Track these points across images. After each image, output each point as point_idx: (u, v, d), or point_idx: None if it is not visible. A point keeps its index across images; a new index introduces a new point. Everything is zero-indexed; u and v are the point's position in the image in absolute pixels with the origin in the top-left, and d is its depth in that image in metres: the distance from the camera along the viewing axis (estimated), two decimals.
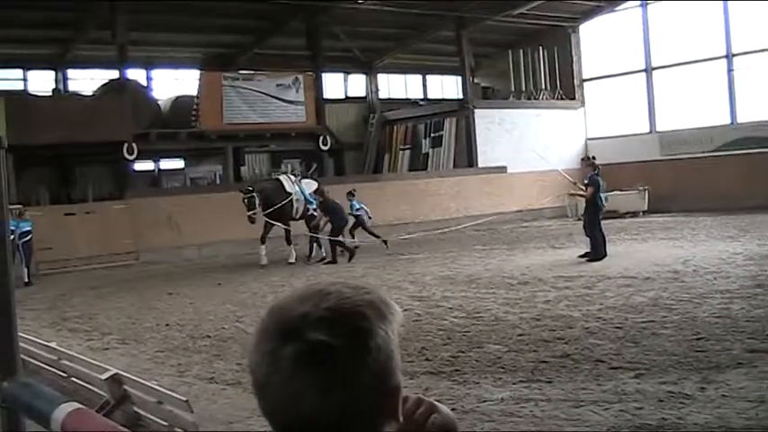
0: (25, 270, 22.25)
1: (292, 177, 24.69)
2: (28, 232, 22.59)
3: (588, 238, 18.96)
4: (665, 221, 29.03)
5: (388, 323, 1.38)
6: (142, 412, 6.71)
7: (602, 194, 19.28)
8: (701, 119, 35.10)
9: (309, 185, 24.37)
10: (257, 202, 22.79)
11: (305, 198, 23.72)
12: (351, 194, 24.56)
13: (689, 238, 22.54)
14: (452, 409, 7.09)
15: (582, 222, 19.64)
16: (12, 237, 21.99)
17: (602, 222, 19.26)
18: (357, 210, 24.34)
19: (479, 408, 7.39)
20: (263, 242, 23.08)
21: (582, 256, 18.82)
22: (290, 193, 23.53)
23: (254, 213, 22.71)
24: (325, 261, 22.81)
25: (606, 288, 14.10)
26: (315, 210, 23.48)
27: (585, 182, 19.36)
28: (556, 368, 8.56)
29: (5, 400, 3.06)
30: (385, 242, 24.68)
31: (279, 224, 23.19)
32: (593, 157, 21.54)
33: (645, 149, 36.57)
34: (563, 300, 13.16)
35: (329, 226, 23.05)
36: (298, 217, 23.77)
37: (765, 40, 33.17)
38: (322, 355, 1.34)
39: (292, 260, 22.89)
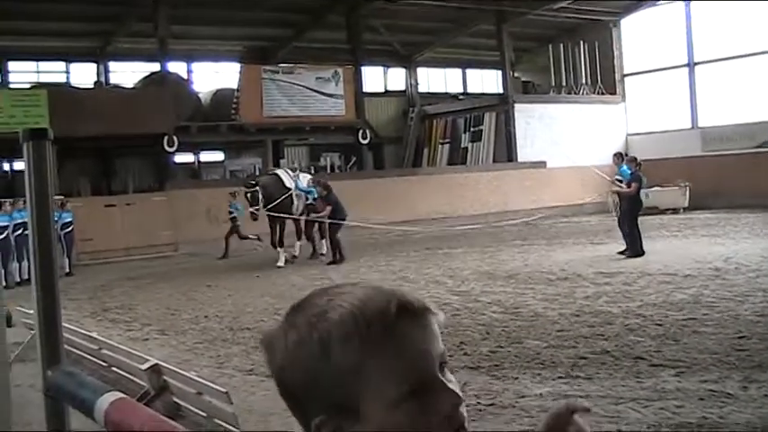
0: (66, 260, 22.52)
1: (290, 172, 23.58)
2: (69, 223, 22.86)
3: (624, 234, 18.81)
4: (707, 218, 28.74)
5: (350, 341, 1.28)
6: (182, 403, 6.76)
7: (642, 190, 19.13)
8: (743, 114, 34.66)
9: (307, 179, 23.69)
10: (260, 197, 21.63)
11: (304, 192, 22.66)
12: (233, 195, 24.16)
13: (731, 235, 22.30)
14: (491, 405, 7.08)
15: (617, 218, 19.37)
16: (71, 228, 22.50)
17: (641, 219, 19.09)
18: (231, 213, 24.20)
19: (518, 403, 7.36)
20: (280, 245, 21.83)
21: (620, 253, 18.69)
22: (290, 188, 22.33)
23: (257, 209, 21.57)
24: (328, 261, 21.44)
25: (646, 285, 13.98)
26: (314, 199, 22.32)
27: (617, 177, 19.17)
28: (595, 365, 8.50)
29: (50, 389, 3.08)
30: (259, 239, 24.30)
31: (283, 216, 21.99)
32: (625, 154, 21.29)
33: (686, 145, 36.19)
34: (602, 296, 13.07)
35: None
36: (298, 213, 22.62)
37: None
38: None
39: (281, 263, 21.25)
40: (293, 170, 24.26)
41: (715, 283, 13.56)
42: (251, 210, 21.54)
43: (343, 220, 21.66)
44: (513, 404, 7.34)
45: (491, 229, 29.51)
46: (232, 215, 24.34)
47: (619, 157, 19.88)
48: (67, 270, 22.30)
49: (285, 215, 22.04)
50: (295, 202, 22.34)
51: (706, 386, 7.41)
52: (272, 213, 21.72)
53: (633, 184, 18.58)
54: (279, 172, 23.44)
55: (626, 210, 18.65)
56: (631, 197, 18.63)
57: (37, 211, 3.09)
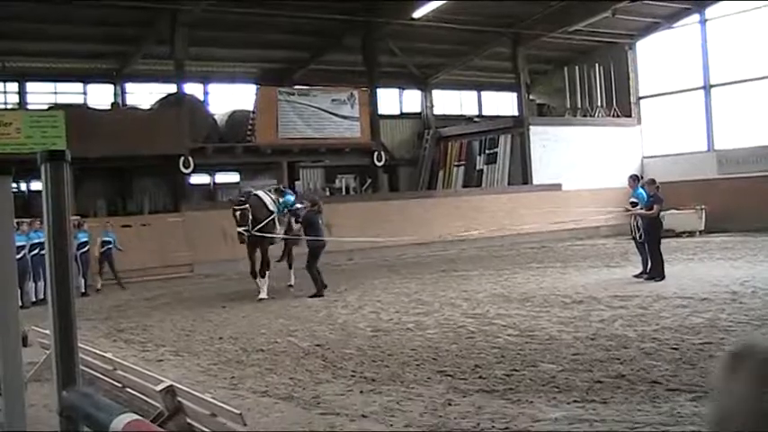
0: (82, 281, 22.61)
1: (272, 196, 21.19)
2: (85, 243, 22.95)
3: (642, 257, 18.72)
4: (723, 241, 28.62)
5: None
6: (195, 424, 6.75)
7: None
8: (760, 137, 34.58)
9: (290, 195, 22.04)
10: (249, 216, 19.51)
11: (289, 209, 20.79)
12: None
13: (747, 258, 22.20)
14: (505, 429, 7.04)
15: (635, 241, 19.20)
16: (86, 248, 22.64)
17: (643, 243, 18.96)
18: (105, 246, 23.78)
19: (533, 428, 7.32)
20: (262, 274, 19.60)
21: (637, 276, 18.61)
22: (273, 212, 20.26)
23: (246, 230, 19.26)
24: (310, 294, 19.04)
25: (662, 308, 13.91)
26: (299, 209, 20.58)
27: (632, 200, 19.06)
28: (611, 389, 8.45)
29: (65, 409, 3.08)
30: (121, 285, 23.89)
31: (270, 236, 20.07)
32: (641, 177, 21.14)
33: (702, 168, 36.12)
34: (618, 319, 13.01)
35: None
36: (280, 239, 20.97)
37: None
38: None
39: (263, 295, 19.11)
40: (277, 190, 22.29)
41: (732, 307, 13.48)
42: (240, 230, 19.32)
43: (319, 244, 19.43)
44: (528, 429, 7.30)
45: (506, 252, 29.47)
46: (105, 247, 24.01)
47: (634, 179, 19.75)
48: (83, 290, 22.44)
49: (268, 238, 19.98)
50: (278, 226, 20.51)
51: None
52: (258, 234, 19.52)
53: (655, 206, 18.48)
54: (260, 193, 21.00)
55: (650, 232, 18.49)
56: (654, 219, 18.52)
57: (54, 231, 3.11)
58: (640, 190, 19.12)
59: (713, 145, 36.94)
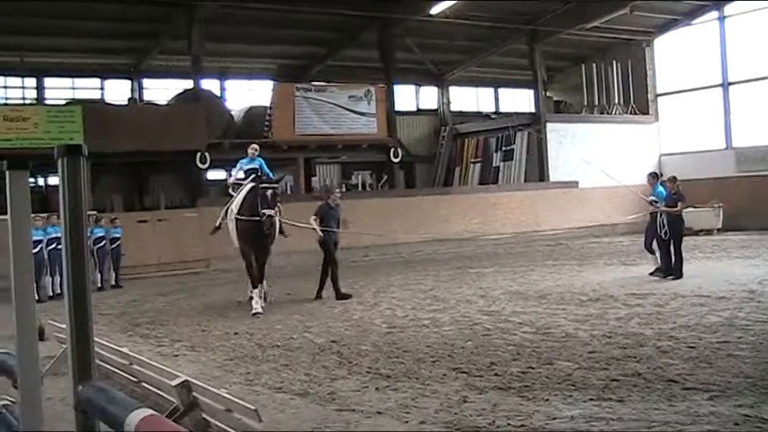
0: (98, 275, 22.79)
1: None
2: (102, 238, 23.07)
3: (662, 254, 18.59)
4: (741, 239, 28.49)
5: None
6: (211, 419, 6.75)
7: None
8: None
9: None
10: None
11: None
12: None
13: (765, 256, 22.09)
14: (521, 426, 7.02)
15: (659, 239, 18.93)
16: (102, 243, 22.87)
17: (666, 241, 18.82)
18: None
19: (549, 425, 7.29)
20: (260, 281, 16.88)
21: (652, 273, 18.53)
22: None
23: (274, 215, 15.95)
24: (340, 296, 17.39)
25: (679, 306, 13.84)
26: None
27: (652, 198, 18.92)
28: (627, 387, 8.40)
29: (80, 403, 3.09)
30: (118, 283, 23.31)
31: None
32: (661, 174, 20.94)
33: (720, 166, 35.96)
34: (634, 317, 12.95)
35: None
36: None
37: None
38: None
39: (259, 308, 15.99)
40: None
41: (749, 306, 13.40)
42: (268, 213, 15.77)
43: (322, 239, 17.89)
44: (544, 426, 7.27)
45: (522, 249, 29.41)
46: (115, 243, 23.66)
47: (654, 176, 19.61)
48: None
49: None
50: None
51: (741, 411, 7.30)
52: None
53: (680, 204, 18.37)
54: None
55: (674, 230, 18.34)
56: (677, 217, 18.38)
57: (71, 226, 3.11)
58: (660, 188, 19.02)
59: (731, 142, 36.77)
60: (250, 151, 18.35)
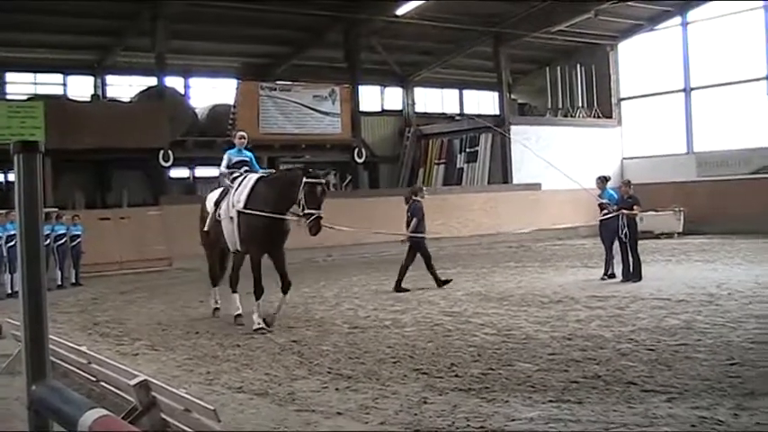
0: (59, 273, 22.57)
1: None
2: (63, 235, 22.80)
3: (619, 257, 18.72)
4: (701, 243, 28.79)
5: None
6: (169, 419, 6.70)
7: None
8: (739, 140, 34.82)
9: None
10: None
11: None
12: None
13: (724, 260, 22.34)
14: (480, 428, 7.03)
15: (620, 241, 19.02)
16: (63, 240, 22.59)
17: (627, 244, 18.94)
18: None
19: (508, 427, 7.31)
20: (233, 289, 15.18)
21: (608, 276, 18.73)
22: None
23: (317, 211, 13.48)
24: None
25: (639, 309, 13.96)
26: None
27: (604, 201, 19.03)
28: (586, 389, 8.46)
29: (33, 403, 3.05)
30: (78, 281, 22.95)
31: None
32: (606, 177, 20.91)
33: (681, 170, 36.35)
34: (595, 320, 13.04)
35: None
36: None
37: None
38: None
39: (259, 322, 13.51)
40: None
41: (708, 309, 13.54)
42: (317, 213, 13.35)
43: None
44: (504, 428, 7.29)
45: (485, 251, 29.52)
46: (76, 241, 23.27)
47: (603, 180, 19.71)
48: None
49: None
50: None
51: (697, 413, 7.37)
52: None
53: (636, 207, 18.53)
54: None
55: (631, 233, 18.47)
56: (632, 220, 18.51)
57: (26, 223, 3.07)
58: (610, 191, 19.21)
59: (693, 147, 37.15)
60: (238, 141, 15.76)
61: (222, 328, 13.96)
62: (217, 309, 15.68)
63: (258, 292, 13.84)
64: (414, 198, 19.22)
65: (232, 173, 15.04)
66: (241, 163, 15.36)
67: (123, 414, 6.36)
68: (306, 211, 13.33)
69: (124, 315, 16.48)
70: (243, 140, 15.74)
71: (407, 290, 18.29)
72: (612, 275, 18.78)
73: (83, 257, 23.64)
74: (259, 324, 13.39)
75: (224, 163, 15.43)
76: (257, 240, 13.95)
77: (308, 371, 10.09)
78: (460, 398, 8.35)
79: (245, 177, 14.64)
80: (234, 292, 15.04)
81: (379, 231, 20.22)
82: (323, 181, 13.79)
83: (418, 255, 18.92)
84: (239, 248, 14.37)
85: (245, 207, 13.96)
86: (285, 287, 14.14)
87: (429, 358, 10.44)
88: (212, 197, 15.40)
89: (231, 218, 14.19)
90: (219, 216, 14.57)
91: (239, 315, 14.53)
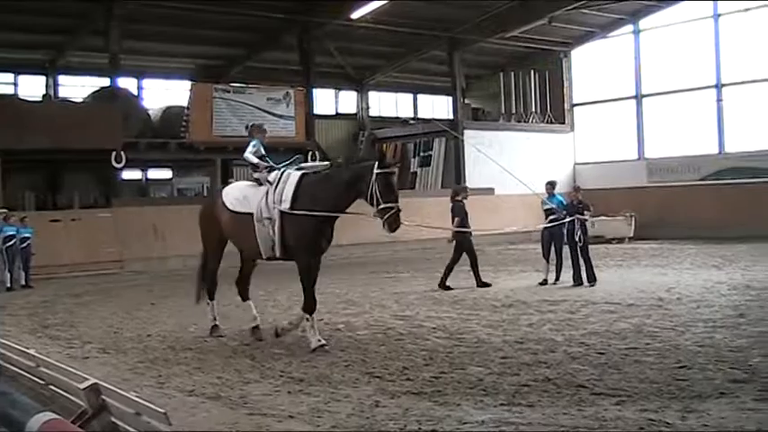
0: (8, 275, 22.28)
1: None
2: (12, 236, 22.47)
3: (569, 263, 18.88)
4: (651, 248, 29.11)
5: None
6: (120, 423, 6.66)
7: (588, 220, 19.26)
8: (689, 147, 35.31)
9: None
10: None
11: None
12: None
13: (674, 265, 22.63)
14: (432, 431, 7.06)
15: (573, 245, 19.14)
16: (12, 242, 22.22)
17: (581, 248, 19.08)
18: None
19: (459, 430, 7.34)
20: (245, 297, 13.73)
21: (550, 282, 18.94)
22: None
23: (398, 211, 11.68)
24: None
25: (590, 313, 14.08)
26: None
27: (552, 206, 19.17)
28: (537, 392, 8.52)
29: None
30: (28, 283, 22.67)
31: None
32: (555, 183, 21.03)
33: (632, 176, 36.76)
34: (546, 323, 13.13)
35: None
36: None
37: (754, 72, 33.42)
38: None
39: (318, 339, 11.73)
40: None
41: (657, 313, 13.70)
42: (397, 207, 11.49)
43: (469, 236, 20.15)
44: (455, 431, 7.33)
45: (438, 254, 29.56)
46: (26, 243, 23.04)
47: (551, 185, 19.87)
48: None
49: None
50: None
51: (646, 415, 7.45)
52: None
53: (587, 212, 18.71)
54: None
55: (584, 238, 18.62)
56: (582, 225, 18.65)
57: None
58: (558, 197, 19.39)
59: (644, 153, 37.59)
60: (263, 135, 13.75)
61: (174, 332, 13.87)
62: (215, 326, 13.38)
63: (311, 305, 11.99)
64: (456, 199, 20.38)
65: (269, 167, 12.83)
66: (265, 158, 13.16)
67: (73, 418, 6.30)
68: (382, 206, 11.38)
69: (75, 318, 16.30)
70: (266, 134, 13.98)
71: (451, 288, 18.76)
72: (550, 282, 18.95)
73: (33, 259, 23.30)
74: (319, 341, 11.54)
75: (252, 150, 13.07)
76: (308, 245, 12.06)
77: (259, 374, 10.06)
78: (412, 401, 8.37)
79: (284, 173, 12.57)
80: (247, 299, 13.48)
81: (432, 226, 20.35)
82: (395, 170, 11.75)
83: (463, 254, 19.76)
84: (278, 255, 12.20)
85: (291, 207, 11.91)
86: (313, 306, 12.10)
87: (381, 362, 10.45)
88: (233, 193, 13.01)
89: (269, 219, 12.04)
90: (255, 217, 12.21)
91: (256, 327, 12.91)
